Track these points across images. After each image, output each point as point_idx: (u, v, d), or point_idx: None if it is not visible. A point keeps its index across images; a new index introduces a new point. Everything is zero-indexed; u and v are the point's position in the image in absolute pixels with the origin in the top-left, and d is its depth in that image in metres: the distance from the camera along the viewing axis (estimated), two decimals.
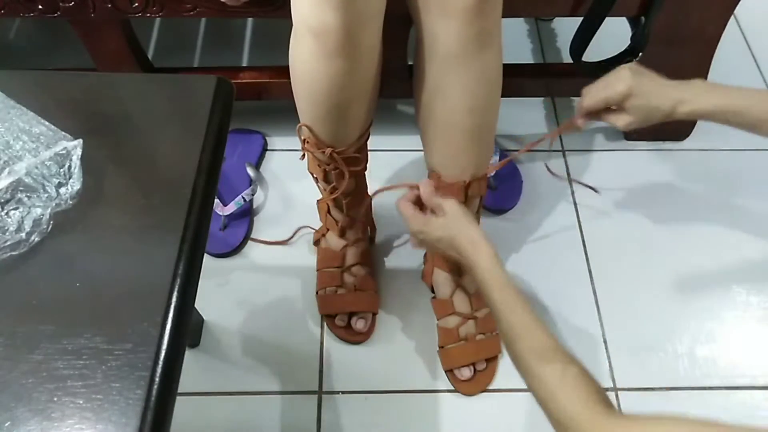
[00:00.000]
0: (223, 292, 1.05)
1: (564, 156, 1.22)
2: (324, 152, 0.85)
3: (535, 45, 1.40)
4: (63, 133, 0.56)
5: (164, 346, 0.47)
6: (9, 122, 0.56)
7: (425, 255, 1.05)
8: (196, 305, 0.69)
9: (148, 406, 0.45)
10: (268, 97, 1.12)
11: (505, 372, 0.97)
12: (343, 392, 0.96)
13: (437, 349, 0.99)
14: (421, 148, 0.90)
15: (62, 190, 0.54)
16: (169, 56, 1.36)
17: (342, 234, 1.01)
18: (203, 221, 0.55)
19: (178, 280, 0.50)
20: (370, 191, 1.01)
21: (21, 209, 0.52)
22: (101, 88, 0.64)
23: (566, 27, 1.40)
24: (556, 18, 1.43)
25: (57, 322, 0.48)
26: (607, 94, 0.76)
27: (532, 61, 1.37)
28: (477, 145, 0.85)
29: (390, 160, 1.17)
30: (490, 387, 0.96)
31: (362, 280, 1.01)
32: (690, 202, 1.15)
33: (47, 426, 0.44)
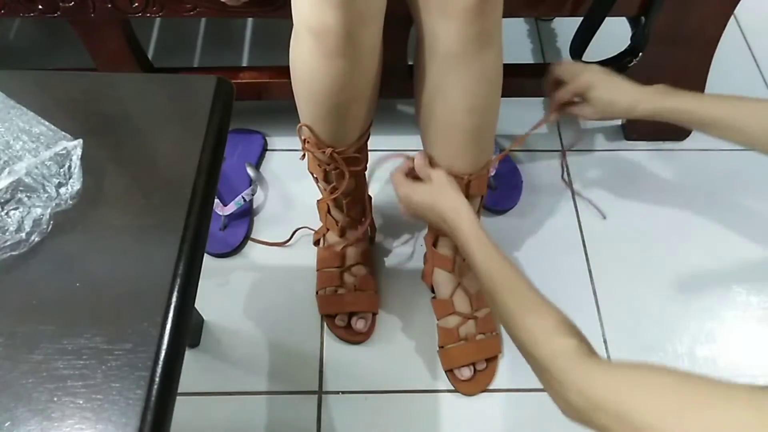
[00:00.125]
0: (223, 292, 1.05)
1: (564, 155, 1.22)
2: (324, 152, 0.85)
3: (535, 45, 1.40)
4: (63, 133, 0.56)
5: (164, 346, 0.47)
6: (9, 122, 0.56)
7: (425, 255, 1.05)
8: (196, 305, 0.69)
9: (148, 406, 0.45)
10: (268, 97, 1.12)
11: (505, 372, 0.97)
12: (343, 392, 0.96)
13: (437, 349, 0.99)
14: (421, 148, 0.90)
15: (62, 190, 0.54)
16: (169, 56, 1.36)
17: (342, 234, 1.01)
18: (203, 221, 0.55)
19: (178, 280, 0.50)
20: (370, 190, 1.02)
21: (21, 209, 0.52)
22: (101, 88, 0.64)
23: (566, 27, 1.40)
24: (556, 18, 1.43)
25: (57, 322, 0.48)
26: (575, 84, 0.87)
27: (532, 61, 1.37)
28: (477, 144, 0.85)
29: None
30: (490, 387, 0.96)
31: (362, 280, 1.01)
32: (690, 202, 1.15)
33: (47, 426, 0.44)
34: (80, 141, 0.55)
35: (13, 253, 0.51)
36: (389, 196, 1.12)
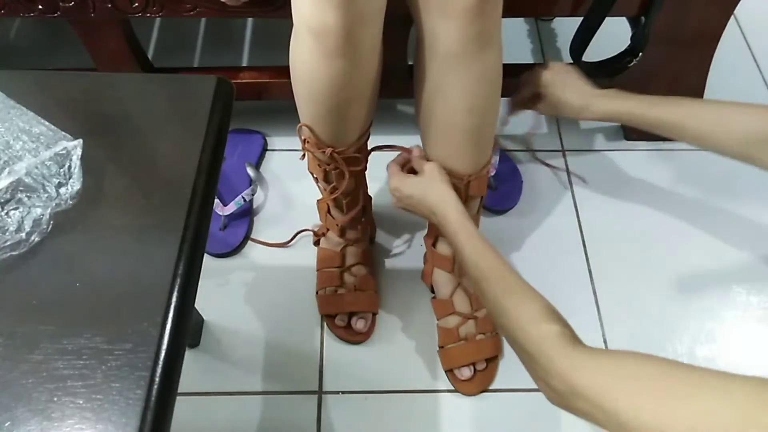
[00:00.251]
0: (223, 292, 1.05)
1: (564, 156, 1.22)
2: (324, 152, 0.85)
3: (535, 45, 1.40)
4: (63, 133, 0.56)
5: (164, 346, 0.47)
6: (9, 122, 0.56)
7: (425, 255, 1.05)
8: (196, 305, 0.69)
9: (148, 406, 0.45)
10: (268, 97, 1.12)
11: (505, 372, 0.97)
12: (343, 392, 0.96)
13: (437, 349, 0.99)
14: (421, 148, 0.90)
15: (62, 190, 0.54)
16: (169, 56, 1.36)
17: (342, 234, 1.01)
18: (203, 221, 0.55)
19: (178, 280, 0.50)
20: (370, 190, 1.02)
21: (21, 209, 0.52)
22: (101, 88, 0.64)
23: (566, 27, 1.40)
24: (556, 18, 1.43)
25: (57, 322, 0.48)
26: (534, 82, 0.93)
27: (532, 61, 1.37)
28: (477, 145, 0.85)
29: (390, 160, 1.17)
30: (490, 387, 0.96)
31: (362, 280, 1.01)
32: (690, 201, 1.15)
33: (47, 426, 0.44)
34: (80, 141, 0.55)
35: (13, 253, 0.51)
36: (389, 196, 1.12)
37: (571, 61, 1.01)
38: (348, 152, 0.86)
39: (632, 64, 1.05)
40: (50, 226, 0.53)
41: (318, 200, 0.99)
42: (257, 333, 1.01)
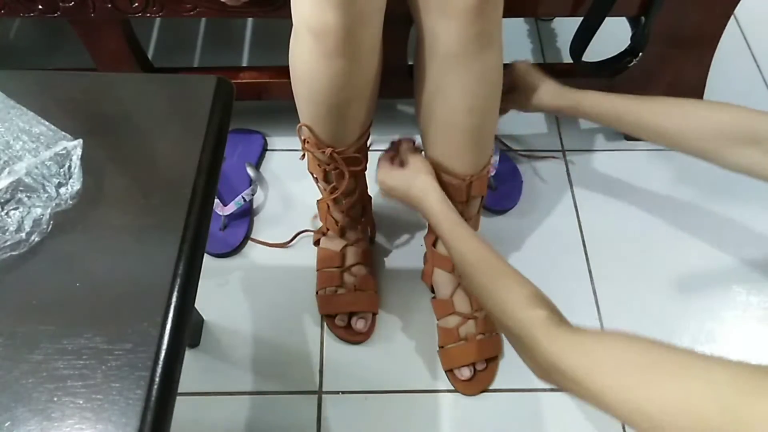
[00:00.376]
0: (223, 292, 1.05)
1: (564, 156, 1.22)
2: (324, 152, 0.85)
3: (535, 45, 1.40)
4: (63, 133, 0.56)
5: (164, 346, 0.47)
6: (9, 122, 0.56)
7: (425, 255, 1.05)
8: (196, 305, 0.69)
9: (148, 406, 0.45)
10: (268, 97, 1.12)
11: (505, 372, 0.97)
12: (343, 392, 0.96)
13: (437, 349, 0.99)
14: (422, 148, 0.90)
15: (62, 190, 0.54)
16: (169, 56, 1.36)
17: (342, 234, 1.01)
18: (203, 221, 0.55)
19: (178, 280, 0.50)
20: (370, 190, 1.02)
21: (21, 209, 0.52)
22: (101, 88, 0.64)
23: (566, 27, 1.40)
24: (556, 18, 1.43)
25: (57, 322, 0.48)
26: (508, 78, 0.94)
27: (532, 61, 1.37)
28: (477, 145, 0.85)
29: None
30: (490, 387, 0.96)
31: (362, 280, 1.01)
32: (690, 201, 1.15)
33: (47, 426, 0.44)
34: (80, 141, 0.55)
35: (13, 253, 0.51)
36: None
37: (571, 61, 1.01)
38: (348, 152, 0.86)
39: (632, 64, 1.05)
40: (50, 226, 0.53)
41: (318, 200, 0.99)
42: (257, 333, 1.01)
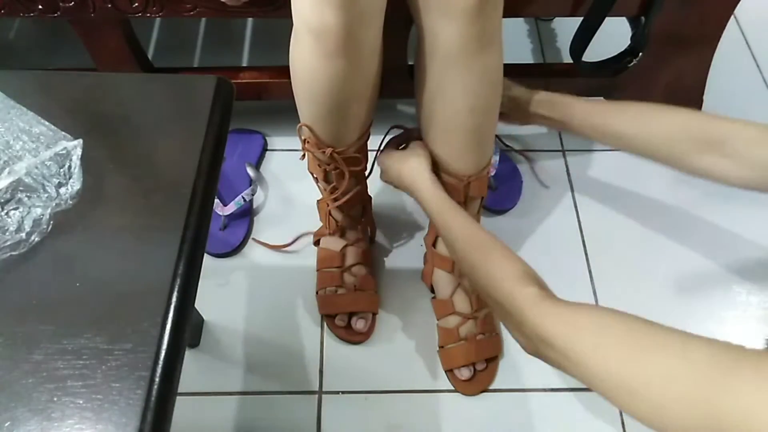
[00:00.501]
0: (223, 292, 1.05)
1: (564, 156, 1.22)
2: (324, 152, 0.85)
3: (535, 45, 1.40)
4: (63, 133, 0.56)
5: (164, 346, 0.47)
6: (9, 122, 0.56)
7: (425, 255, 1.05)
8: (196, 305, 0.69)
9: (148, 406, 0.45)
10: (268, 97, 1.12)
11: (505, 372, 0.97)
12: (343, 392, 0.96)
13: (437, 349, 0.99)
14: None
15: (62, 190, 0.54)
16: (169, 56, 1.36)
17: (342, 234, 1.01)
18: (203, 221, 0.55)
19: (178, 280, 0.50)
20: (370, 190, 1.02)
21: (21, 209, 0.52)
22: (101, 88, 0.64)
23: (566, 27, 1.40)
24: (556, 18, 1.43)
25: (57, 322, 0.48)
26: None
27: (532, 61, 1.37)
28: (477, 144, 0.85)
29: None
30: (490, 387, 0.96)
31: (362, 280, 1.01)
32: (690, 201, 1.15)
33: (47, 426, 0.44)
34: (80, 141, 0.55)
35: (13, 253, 0.51)
36: (389, 196, 1.12)
37: (571, 61, 1.01)
38: (348, 152, 0.86)
39: (632, 64, 1.05)
40: (50, 226, 0.53)
41: (318, 200, 0.99)
42: (257, 333, 1.01)
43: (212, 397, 0.95)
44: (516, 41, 1.40)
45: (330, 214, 0.98)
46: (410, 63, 0.90)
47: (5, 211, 0.52)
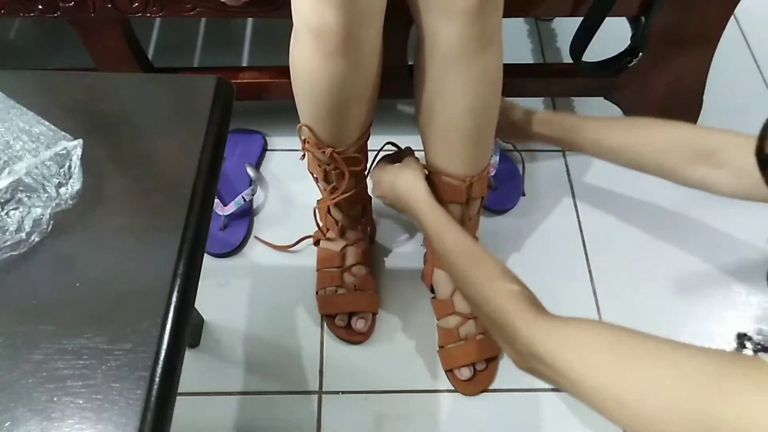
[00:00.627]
0: (223, 292, 1.05)
1: (564, 156, 1.22)
2: (324, 152, 0.85)
3: (535, 45, 1.40)
4: (63, 133, 0.56)
5: (164, 346, 0.47)
6: (9, 122, 0.56)
7: (425, 255, 1.05)
8: (196, 305, 0.69)
9: (148, 406, 0.45)
10: (268, 97, 1.12)
11: (505, 372, 0.97)
12: (343, 392, 0.96)
13: (437, 349, 0.99)
14: (422, 148, 0.90)
15: (62, 190, 0.54)
16: (169, 56, 1.36)
17: (342, 234, 1.01)
18: (203, 221, 0.55)
19: (178, 280, 0.50)
20: (370, 191, 1.02)
21: (21, 209, 0.52)
22: (101, 88, 0.64)
23: (566, 27, 1.40)
24: (556, 18, 1.43)
25: (57, 322, 0.48)
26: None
27: (532, 61, 1.37)
28: (477, 145, 0.85)
29: None
30: (490, 387, 0.96)
31: (362, 280, 1.01)
32: (690, 201, 1.15)
33: (47, 426, 0.44)
34: (80, 141, 0.55)
35: (13, 253, 0.51)
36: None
37: (571, 61, 1.01)
38: (348, 152, 0.86)
39: (632, 64, 1.05)
40: (50, 226, 0.53)
41: (318, 200, 0.99)
42: (257, 333, 1.01)
43: (212, 397, 0.95)
44: (516, 41, 1.40)
45: (330, 214, 0.98)
46: (410, 63, 0.90)
47: (5, 211, 0.52)
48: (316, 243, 1.06)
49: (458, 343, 0.96)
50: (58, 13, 0.94)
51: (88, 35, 1.01)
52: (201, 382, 0.96)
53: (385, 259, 1.09)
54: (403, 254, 1.10)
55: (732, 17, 1.05)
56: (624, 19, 1.07)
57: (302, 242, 1.08)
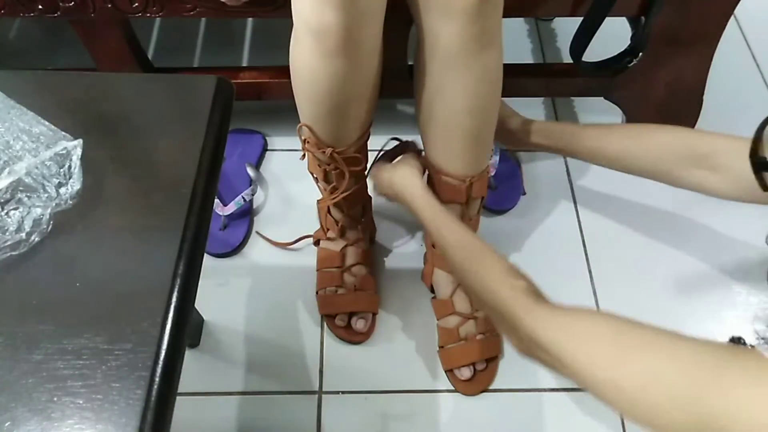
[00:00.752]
0: (223, 292, 1.05)
1: (564, 156, 1.22)
2: (324, 152, 0.85)
3: (535, 45, 1.40)
4: (63, 133, 0.56)
5: (164, 346, 0.47)
6: (9, 122, 0.56)
7: (425, 255, 1.05)
8: (196, 305, 0.69)
9: (148, 406, 0.45)
10: (268, 97, 1.12)
11: (505, 372, 0.97)
12: (343, 392, 0.96)
13: (437, 349, 0.99)
14: (422, 148, 0.90)
15: (62, 190, 0.54)
16: (169, 56, 1.36)
17: (342, 234, 1.01)
18: (203, 221, 0.55)
19: (178, 280, 0.50)
20: (370, 190, 1.02)
21: (21, 209, 0.52)
22: (101, 88, 0.64)
23: (566, 27, 1.40)
24: (556, 18, 1.43)
25: (57, 322, 0.48)
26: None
27: (532, 61, 1.37)
28: (477, 145, 0.85)
29: None
30: (490, 387, 0.96)
31: (362, 280, 1.01)
32: (690, 201, 1.15)
33: (47, 426, 0.44)
34: (80, 141, 0.55)
35: (13, 253, 0.51)
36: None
37: (571, 61, 1.01)
38: (348, 152, 0.86)
39: (632, 64, 1.05)
40: (50, 226, 0.53)
41: (318, 200, 0.99)
42: (257, 333, 1.01)
43: (212, 397, 0.95)
44: (516, 41, 1.40)
45: (330, 214, 0.98)
46: (410, 63, 0.90)
47: (5, 211, 0.52)
48: (316, 243, 1.06)
49: (458, 343, 0.96)
50: (58, 13, 0.94)
51: (88, 35, 1.01)
52: (201, 382, 0.96)
53: (385, 259, 1.09)
54: (403, 254, 1.10)
55: (732, 17, 1.05)
56: (624, 19, 1.07)
57: (302, 242, 1.08)
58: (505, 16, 0.77)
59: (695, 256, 1.09)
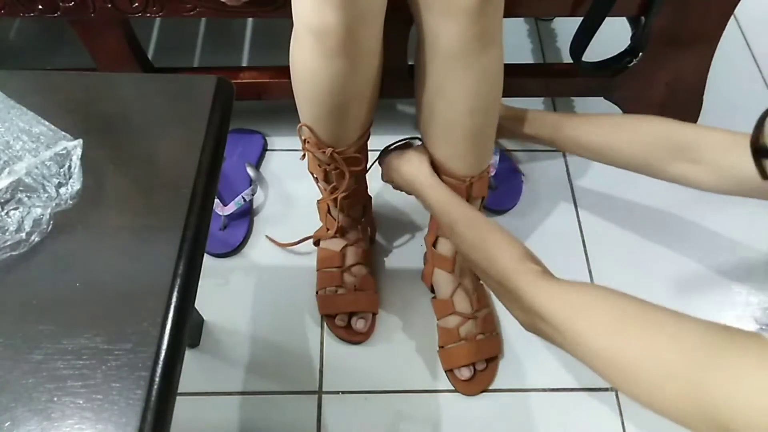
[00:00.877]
0: (223, 292, 1.05)
1: (564, 156, 1.22)
2: (324, 152, 0.85)
3: (535, 45, 1.40)
4: (63, 133, 0.56)
5: (164, 346, 0.47)
6: (9, 122, 0.56)
7: (425, 255, 1.05)
8: (196, 305, 0.69)
9: (148, 406, 0.45)
10: (268, 97, 1.12)
11: (505, 372, 0.97)
12: (343, 392, 0.96)
13: (437, 349, 0.99)
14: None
15: (62, 190, 0.54)
16: (169, 56, 1.36)
17: (342, 234, 1.01)
18: (203, 221, 0.55)
19: (178, 280, 0.50)
20: (370, 190, 1.02)
21: (21, 209, 0.52)
22: (101, 88, 0.64)
23: (566, 27, 1.40)
24: (556, 18, 1.43)
25: (57, 322, 0.48)
26: None
27: (532, 61, 1.37)
28: (478, 145, 0.85)
29: None
30: (490, 387, 0.96)
31: (362, 280, 1.01)
32: (690, 201, 1.15)
33: (47, 426, 0.44)
34: (80, 141, 0.55)
35: (13, 253, 0.51)
36: (389, 196, 1.12)
37: (571, 61, 1.01)
38: (348, 152, 0.86)
39: (632, 64, 1.05)
40: (50, 226, 0.53)
41: (318, 200, 0.99)
42: (257, 333, 1.01)
43: (212, 397, 0.95)
44: (516, 41, 1.40)
45: (330, 214, 0.98)
46: (410, 63, 0.90)
47: (5, 211, 0.52)
48: (316, 243, 1.06)
49: (458, 343, 0.96)
50: (58, 13, 0.94)
51: (88, 35, 1.01)
52: (201, 382, 0.96)
53: (385, 259, 1.09)
54: (403, 254, 1.10)
55: (732, 17, 1.05)
56: (624, 19, 1.07)
57: (302, 243, 1.08)
58: (505, 16, 0.77)
59: (695, 256, 1.09)
